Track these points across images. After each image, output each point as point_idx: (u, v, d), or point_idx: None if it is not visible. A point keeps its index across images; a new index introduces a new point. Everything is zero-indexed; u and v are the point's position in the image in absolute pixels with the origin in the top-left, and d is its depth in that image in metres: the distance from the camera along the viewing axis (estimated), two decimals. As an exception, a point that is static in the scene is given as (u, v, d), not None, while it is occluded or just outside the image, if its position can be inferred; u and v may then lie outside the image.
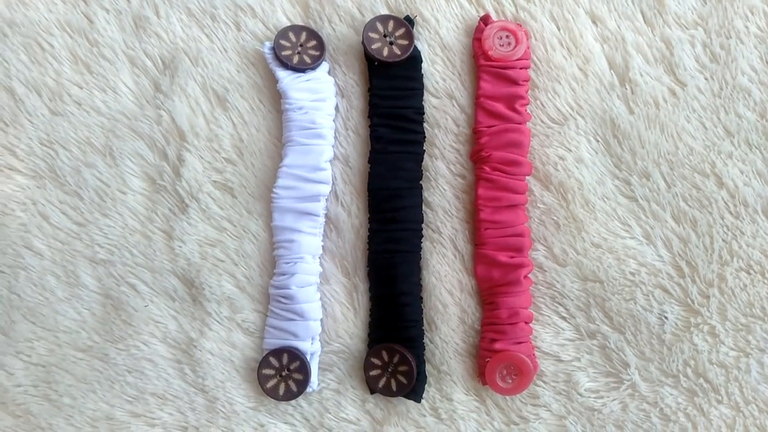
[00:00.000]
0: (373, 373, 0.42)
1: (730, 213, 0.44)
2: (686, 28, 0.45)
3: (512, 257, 0.43)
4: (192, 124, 0.45)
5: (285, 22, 0.45)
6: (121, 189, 0.45)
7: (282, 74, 0.43)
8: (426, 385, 0.43)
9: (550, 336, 0.44)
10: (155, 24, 0.45)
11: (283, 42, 0.44)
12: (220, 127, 0.45)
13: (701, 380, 0.43)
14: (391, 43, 0.43)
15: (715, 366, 0.43)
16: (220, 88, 0.45)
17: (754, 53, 0.45)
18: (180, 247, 0.44)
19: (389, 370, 0.42)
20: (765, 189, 0.44)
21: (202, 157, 0.45)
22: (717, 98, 0.45)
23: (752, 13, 0.45)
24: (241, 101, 0.45)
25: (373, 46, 0.43)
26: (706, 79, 0.45)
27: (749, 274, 0.44)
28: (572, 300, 0.44)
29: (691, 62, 0.45)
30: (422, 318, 0.43)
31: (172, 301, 0.44)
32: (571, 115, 0.45)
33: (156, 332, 0.44)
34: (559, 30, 0.45)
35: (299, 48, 0.44)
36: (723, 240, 0.44)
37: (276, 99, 0.45)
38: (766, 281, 0.43)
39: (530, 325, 0.43)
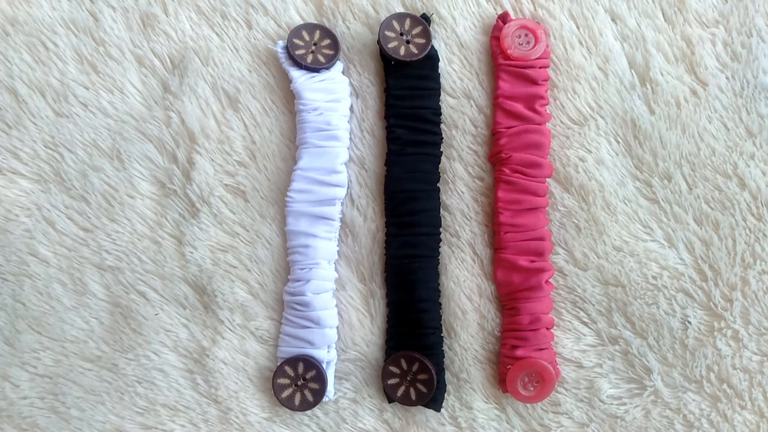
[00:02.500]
0: (392, 381, 0.41)
1: (753, 215, 0.43)
2: (707, 26, 0.44)
3: (533, 261, 0.42)
4: (202, 125, 0.43)
5: (297, 20, 0.43)
6: (129, 193, 0.43)
7: (296, 74, 0.41)
8: (445, 394, 0.42)
9: (571, 342, 0.43)
10: (164, 22, 0.44)
11: (296, 41, 0.42)
12: (232, 128, 0.43)
13: (725, 386, 0.42)
14: (407, 42, 0.42)
15: (738, 371, 0.42)
16: (231, 89, 0.43)
17: (775, 52, 0.44)
18: (191, 252, 0.43)
19: (408, 378, 0.40)
20: (787, 190, 0.43)
21: (213, 160, 0.43)
22: (738, 98, 0.44)
23: (773, 11, 0.44)
24: (253, 102, 0.43)
25: (390, 45, 0.42)
26: (727, 78, 0.44)
27: (772, 277, 0.43)
28: (593, 305, 0.43)
29: (712, 61, 0.44)
30: (441, 324, 0.42)
31: (183, 309, 0.43)
32: (591, 115, 0.44)
33: (167, 341, 0.43)
34: (578, 28, 0.44)
35: (313, 47, 0.42)
36: (746, 242, 0.43)
37: (289, 99, 0.43)
38: (789, 284, 0.43)
39: (551, 330, 0.43)
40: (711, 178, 0.43)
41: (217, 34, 0.44)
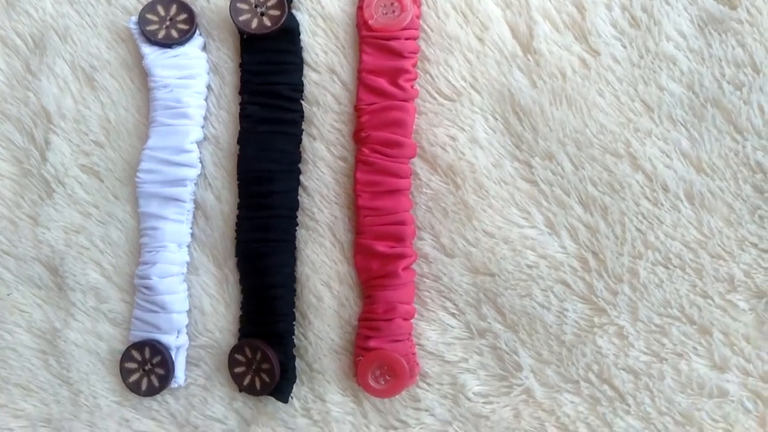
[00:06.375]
0: (238, 370, 0.39)
1: (647, 198, 0.39)
2: (603, -11, 0.41)
3: (392, 247, 0.40)
4: (59, 105, 0.42)
5: None
6: (-12, 173, 0.43)
7: (147, 50, 0.40)
8: (298, 384, 0.40)
9: (436, 334, 0.40)
10: (24, 1, 0.43)
11: (149, 16, 0.40)
12: (88, 107, 0.42)
13: (605, 387, 0.39)
14: (262, 14, 0.40)
15: (622, 371, 0.39)
16: (89, 67, 0.42)
17: (683, 16, 0.40)
18: (43, 233, 0.42)
19: (253, 367, 0.38)
20: (690, 171, 0.39)
21: (70, 140, 0.42)
22: (636, 68, 0.40)
23: (683, -30, 0.40)
24: (110, 80, 0.42)
25: (241, 18, 0.39)
26: (623, 46, 0.40)
27: (667, 268, 0.39)
28: (461, 295, 0.39)
29: (607, 28, 0.40)
30: (293, 312, 0.40)
31: (38, 290, 0.43)
32: (465, 90, 0.41)
33: (20, 321, 0.42)
34: (454, -6, 0.42)
35: (168, 22, 0.40)
36: (637, 229, 0.39)
37: (146, 77, 0.42)
38: (686, 277, 0.39)
39: (412, 321, 0.39)
40: (599, 158, 0.39)
41: (76, 11, 0.43)
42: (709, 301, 0.38)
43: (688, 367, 0.38)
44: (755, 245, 0.38)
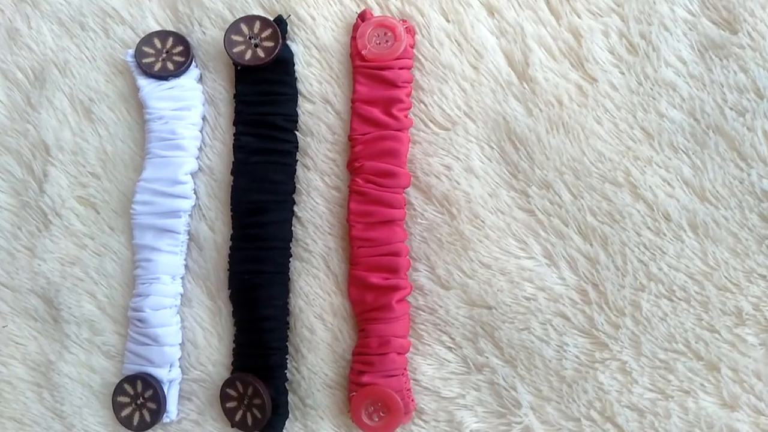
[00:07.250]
0: (230, 405, 0.38)
1: (649, 228, 0.38)
2: (599, 15, 0.40)
3: (387, 279, 0.39)
4: (57, 137, 0.43)
5: (154, 27, 0.42)
6: (-13, 205, 0.43)
7: (143, 83, 0.40)
8: (290, 420, 0.39)
9: (432, 369, 0.39)
10: (26, 36, 0.44)
11: (146, 49, 0.41)
12: (86, 139, 0.43)
13: (609, 425, 0.37)
14: (256, 46, 0.40)
15: (626, 409, 0.38)
16: (87, 99, 0.43)
17: (682, 41, 0.39)
18: (39, 265, 0.42)
19: (245, 402, 0.37)
20: (693, 200, 0.38)
21: (67, 172, 0.43)
22: (635, 95, 0.39)
23: (681, -6, 0.39)
24: (108, 112, 0.42)
25: (235, 50, 0.39)
26: (621, 73, 0.39)
27: (671, 301, 0.38)
28: (457, 328, 0.38)
29: (604, 54, 0.40)
30: (286, 345, 0.39)
31: (34, 321, 0.42)
32: (460, 119, 0.40)
33: (16, 353, 0.42)
34: (448, 23, 0.41)
35: (164, 54, 0.41)
36: (639, 260, 0.38)
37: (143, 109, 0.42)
38: (692, 310, 0.37)
39: (407, 356, 0.39)
40: (598, 187, 0.39)
41: (76, 45, 0.43)
42: (717, 336, 0.37)
43: (695, 405, 0.36)
44: (764, 277, 0.37)
